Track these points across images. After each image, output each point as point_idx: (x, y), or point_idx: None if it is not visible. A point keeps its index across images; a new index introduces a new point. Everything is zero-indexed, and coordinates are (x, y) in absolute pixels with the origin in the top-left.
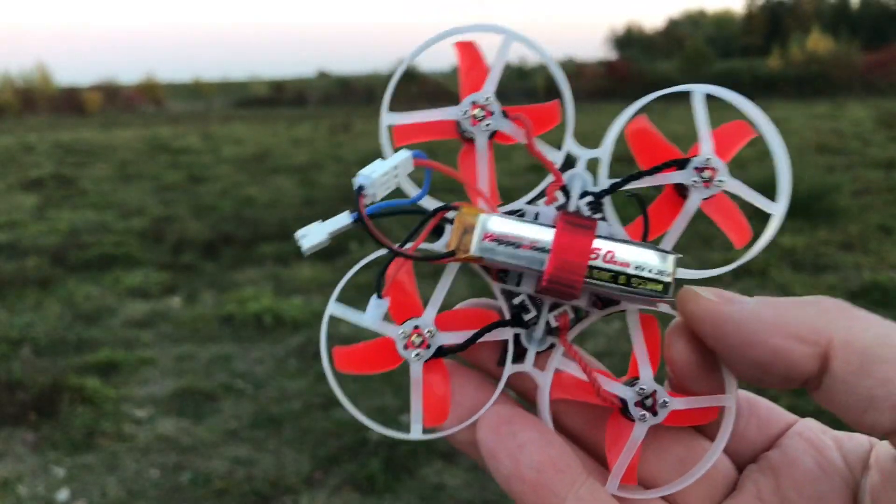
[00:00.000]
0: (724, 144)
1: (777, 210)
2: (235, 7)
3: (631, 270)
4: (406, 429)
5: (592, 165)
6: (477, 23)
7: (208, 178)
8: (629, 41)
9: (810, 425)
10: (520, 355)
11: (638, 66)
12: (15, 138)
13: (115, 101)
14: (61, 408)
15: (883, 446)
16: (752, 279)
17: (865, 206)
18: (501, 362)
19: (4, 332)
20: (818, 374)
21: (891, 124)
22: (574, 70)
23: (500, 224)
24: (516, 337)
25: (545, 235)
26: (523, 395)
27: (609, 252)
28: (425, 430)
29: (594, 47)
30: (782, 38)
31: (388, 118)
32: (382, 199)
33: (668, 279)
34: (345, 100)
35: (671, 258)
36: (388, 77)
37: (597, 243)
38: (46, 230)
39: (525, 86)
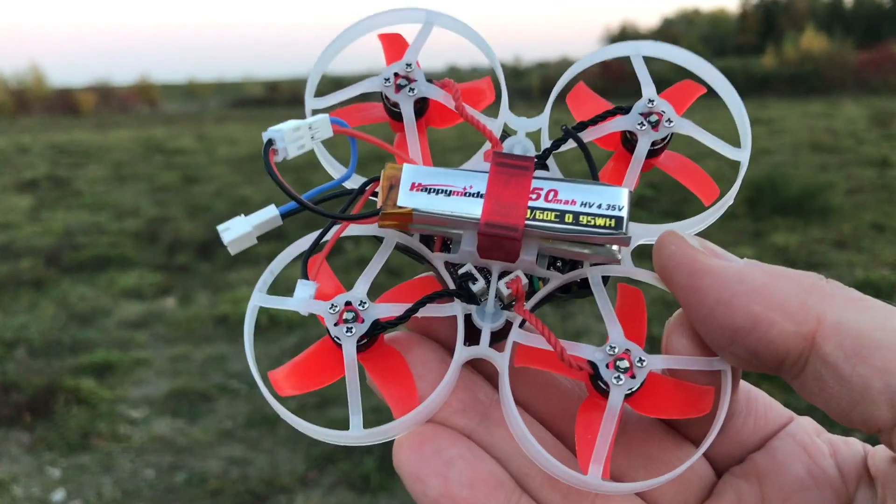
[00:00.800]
0: (675, 103)
1: (743, 157)
2: (230, 7)
3: (577, 208)
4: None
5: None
6: (398, 7)
7: (203, 178)
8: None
9: (805, 426)
10: (476, 337)
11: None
12: (9, 139)
13: (110, 102)
14: (56, 409)
15: (879, 452)
16: None
17: (859, 205)
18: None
19: None
20: (798, 358)
21: (884, 122)
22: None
23: (426, 172)
24: (468, 317)
25: (478, 179)
26: (490, 379)
27: (552, 191)
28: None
29: (589, 46)
30: (777, 36)
31: (312, 103)
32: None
33: (621, 213)
34: None
35: (623, 190)
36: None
37: (537, 183)
38: (40, 231)
39: (520, 86)
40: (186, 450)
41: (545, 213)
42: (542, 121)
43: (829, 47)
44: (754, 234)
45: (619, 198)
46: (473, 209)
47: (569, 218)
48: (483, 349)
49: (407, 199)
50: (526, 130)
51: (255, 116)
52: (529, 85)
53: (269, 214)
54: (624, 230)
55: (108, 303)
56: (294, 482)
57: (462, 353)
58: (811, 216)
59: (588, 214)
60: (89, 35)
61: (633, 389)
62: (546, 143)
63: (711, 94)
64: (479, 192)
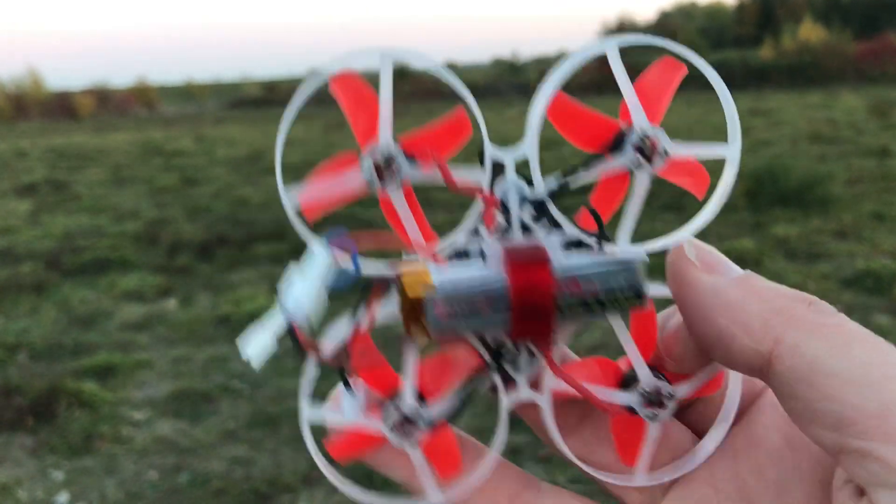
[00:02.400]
0: (659, 90)
1: (731, 153)
2: (227, 8)
3: (602, 297)
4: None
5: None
6: (348, 51)
7: (202, 179)
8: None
9: None
10: (511, 381)
11: (630, 59)
12: (7, 144)
13: (108, 104)
14: (59, 412)
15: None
16: (746, 268)
17: (858, 195)
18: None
19: (0, 338)
20: (761, 371)
21: (883, 112)
22: None
23: (449, 296)
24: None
25: (498, 284)
26: (532, 424)
27: (571, 281)
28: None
29: (586, 41)
30: (774, 28)
31: (289, 197)
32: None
33: (642, 288)
34: None
35: (639, 266)
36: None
37: (555, 273)
38: (41, 235)
39: (517, 81)
40: (189, 451)
41: (571, 308)
42: (528, 147)
43: (828, 38)
44: (754, 226)
45: (638, 276)
46: (503, 321)
47: (595, 308)
48: (523, 393)
49: (437, 329)
50: (514, 160)
51: (253, 117)
52: (528, 80)
53: (282, 324)
54: (646, 302)
55: (109, 305)
56: (298, 482)
57: (506, 402)
58: (811, 207)
59: (612, 299)
60: (86, 38)
61: (664, 418)
62: (535, 173)
63: (709, 87)
64: (505, 305)
